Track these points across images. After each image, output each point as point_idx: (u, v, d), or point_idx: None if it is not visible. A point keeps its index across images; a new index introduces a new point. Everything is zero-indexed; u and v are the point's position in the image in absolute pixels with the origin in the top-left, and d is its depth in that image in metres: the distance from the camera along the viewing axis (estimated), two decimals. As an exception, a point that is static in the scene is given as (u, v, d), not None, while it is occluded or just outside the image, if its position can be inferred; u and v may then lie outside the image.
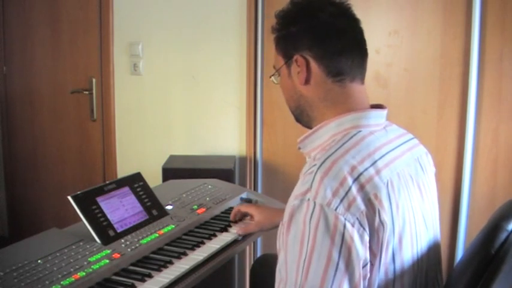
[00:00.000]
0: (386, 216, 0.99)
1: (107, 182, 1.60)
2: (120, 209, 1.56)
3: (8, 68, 3.32)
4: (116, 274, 1.34)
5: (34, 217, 3.36)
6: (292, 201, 1.02)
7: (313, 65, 1.14)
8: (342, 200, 0.96)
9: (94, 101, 3.08)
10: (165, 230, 1.58)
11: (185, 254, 1.47)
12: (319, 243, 0.95)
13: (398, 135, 1.20)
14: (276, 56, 1.22)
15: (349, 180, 0.99)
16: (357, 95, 1.16)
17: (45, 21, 3.15)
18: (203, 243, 1.55)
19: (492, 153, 2.49)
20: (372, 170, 1.03)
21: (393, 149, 1.13)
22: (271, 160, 2.83)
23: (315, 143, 1.15)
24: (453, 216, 2.58)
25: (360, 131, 1.11)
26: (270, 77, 1.27)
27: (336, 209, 0.95)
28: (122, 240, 1.47)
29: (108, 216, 1.50)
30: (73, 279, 1.24)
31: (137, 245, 1.46)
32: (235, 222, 1.73)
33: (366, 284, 1.00)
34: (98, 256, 1.37)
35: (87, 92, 3.10)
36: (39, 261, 1.29)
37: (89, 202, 1.49)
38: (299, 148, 1.20)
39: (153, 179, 2.12)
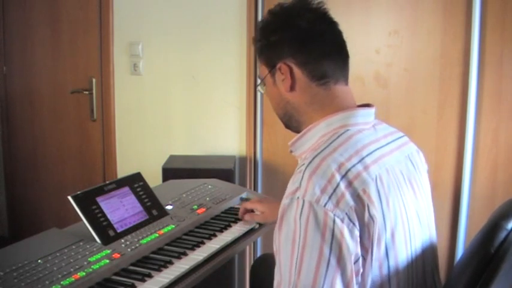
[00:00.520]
0: (376, 211, 1.01)
1: (107, 182, 1.60)
2: (120, 209, 1.56)
3: (8, 68, 3.32)
4: (116, 274, 1.34)
5: (34, 217, 3.36)
6: (283, 200, 1.03)
7: (297, 71, 1.16)
8: (330, 197, 0.98)
9: (94, 101, 3.08)
10: (165, 230, 1.58)
11: (185, 254, 1.47)
12: (310, 240, 0.96)
13: (387, 134, 1.22)
14: (260, 66, 1.25)
15: (337, 177, 1.00)
16: (343, 95, 1.18)
17: (45, 21, 3.15)
18: (203, 243, 1.55)
19: (492, 153, 2.50)
20: (359, 167, 1.04)
21: (382, 147, 1.15)
22: (271, 160, 2.83)
23: (305, 145, 1.18)
24: (453, 216, 2.58)
25: (348, 130, 1.13)
26: (257, 87, 1.29)
27: (325, 206, 0.97)
28: (122, 240, 1.47)
29: (108, 216, 1.50)
30: (73, 279, 1.24)
31: (137, 245, 1.46)
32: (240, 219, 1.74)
33: (360, 279, 1.01)
34: (98, 256, 1.37)
35: (87, 92, 3.10)
36: (39, 261, 1.29)
37: (89, 202, 1.49)
38: (291, 151, 1.22)
39: (153, 179, 2.12)
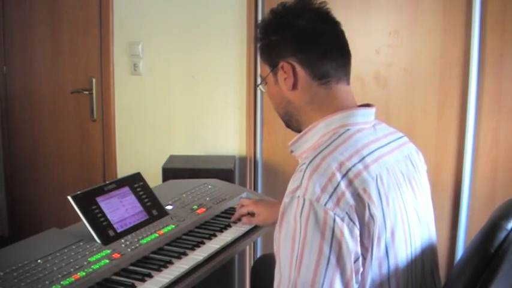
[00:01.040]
0: (376, 210, 1.01)
1: (107, 182, 1.60)
2: (120, 209, 1.56)
3: (8, 68, 3.32)
4: (116, 274, 1.34)
5: (34, 217, 3.36)
6: (283, 199, 1.04)
7: (299, 70, 1.17)
8: (331, 196, 0.98)
9: (94, 101, 3.08)
10: (165, 230, 1.58)
11: (185, 254, 1.47)
12: (310, 239, 0.97)
13: (387, 133, 1.22)
14: (261, 65, 1.25)
15: (338, 176, 1.01)
16: (344, 95, 1.19)
17: (45, 21, 3.15)
18: (203, 243, 1.55)
19: (492, 153, 2.50)
20: (360, 166, 1.05)
21: (382, 146, 1.15)
22: (271, 160, 2.83)
23: (305, 145, 1.18)
24: (453, 216, 2.58)
25: (349, 129, 1.13)
26: (258, 86, 1.28)
27: (325, 205, 0.97)
28: (122, 240, 1.47)
29: (108, 216, 1.50)
30: (73, 279, 1.24)
31: (137, 245, 1.46)
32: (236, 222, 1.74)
33: (359, 278, 1.01)
34: (98, 256, 1.37)
35: (87, 92, 3.10)
36: (39, 261, 1.29)
37: (89, 202, 1.49)
38: (291, 151, 1.23)
39: (153, 179, 2.12)
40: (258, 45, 1.25)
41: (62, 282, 1.22)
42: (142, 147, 2.99)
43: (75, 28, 3.08)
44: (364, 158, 1.07)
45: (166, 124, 2.95)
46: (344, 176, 1.01)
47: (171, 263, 1.41)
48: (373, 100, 1.26)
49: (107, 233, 1.47)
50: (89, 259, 1.34)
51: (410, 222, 1.10)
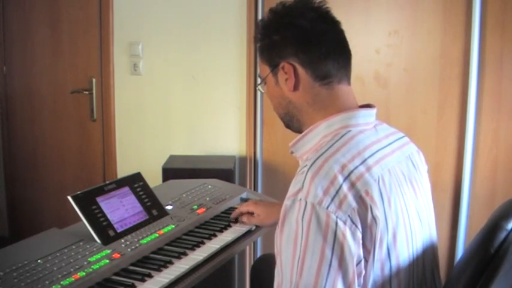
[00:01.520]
0: (378, 212, 1.00)
1: (107, 182, 1.60)
2: (120, 209, 1.56)
3: (8, 68, 3.32)
4: (116, 274, 1.34)
5: (34, 217, 3.36)
6: (285, 202, 1.03)
7: (301, 70, 1.15)
8: (333, 198, 0.98)
9: (94, 101, 3.08)
10: (165, 230, 1.58)
11: (185, 254, 1.47)
12: (312, 242, 0.96)
13: (388, 134, 1.21)
14: (261, 65, 1.24)
15: (340, 179, 1.00)
16: (345, 96, 1.18)
17: (45, 21, 3.15)
18: (203, 243, 1.55)
19: (492, 153, 2.50)
20: (362, 168, 1.04)
21: (383, 147, 1.14)
22: (271, 160, 2.83)
23: (306, 146, 1.17)
24: (453, 216, 2.58)
25: (350, 131, 1.12)
26: (257, 86, 1.27)
27: (327, 208, 0.97)
28: (122, 240, 1.47)
29: (108, 216, 1.50)
30: (73, 279, 1.24)
31: (137, 245, 1.46)
32: (236, 222, 1.74)
33: (361, 281, 1.01)
34: (98, 256, 1.37)
35: (87, 92, 3.10)
36: (39, 261, 1.29)
37: (89, 202, 1.49)
38: (291, 152, 1.22)
39: (153, 179, 2.12)
40: (258, 45, 1.23)
41: (62, 282, 1.22)
42: (142, 147, 2.99)
43: (75, 28, 3.08)
44: (366, 159, 1.06)
45: (166, 124, 2.95)
46: (346, 178, 1.01)
47: (171, 263, 1.41)
48: (373, 100, 1.26)
49: (107, 233, 1.46)
50: (89, 259, 1.34)
51: (411, 223, 1.10)
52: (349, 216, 0.97)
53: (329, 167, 1.02)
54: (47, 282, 1.21)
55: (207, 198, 1.87)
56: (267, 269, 1.69)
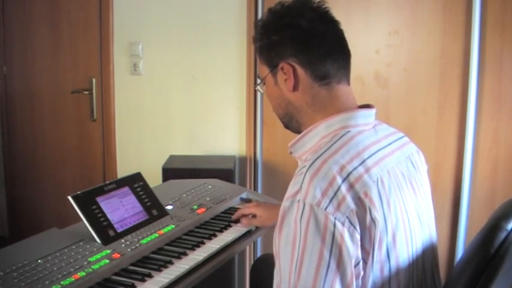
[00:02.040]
0: (377, 214, 1.00)
1: (107, 182, 1.60)
2: (120, 209, 1.56)
3: (8, 68, 3.32)
4: (116, 274, 1.34)
5: (34, 217, 3.36)
6: (283, 203, 1.03)
7: (300, 71, 1.15)
8: (331, 200, 0.97)
9: (94, 101, 3.08)
10: (165, 230, 1.58)
11: (185, 254, 1.47)
12: (310, 243, 0.96)
13: (387, 134, 1.21)
14: (260, 66, 1.23)
15: (339, 180, 1.00)
16: (344, 96, 1.17)
17: (45, 21, 3.15)
18: (203, 243, 1.55)
19: (492, 153, 2.50)
20: (361, 169, 1.04)
21: (383, 148, 1.14)
22: (271, 160, 2.83)
23: (305, 147, 1.17)
24: (453, 216, 2.58)
25: (349, 131, 1.12)
26: (256, 87, 1.27)
27: (325, 209, 0.96)
28: (122, 240, 1.47)
29: (108, 216, 1.50)
30: (73, 279, 1.24)
31: (137, 245, 1.46)
32: (236, 222, 1.74)
33: (360, 282, 1.00)
34: (98, 256, 1.37)
35: (87, 92, 3.10)
36: (39, 261, 1.29)
37: (89, 202, 1.49)
38: (290, 153, 1.21)
39: (153, 179, 2.12)
40: (257, 45, 1.22)
41: (62, 282, 1.22)
42: (143, 147, 2.99)
43: (75, 28, 3.08)
44: (365, 160, 1.06)
45: (166, 124, 2.95)
46: (345, 179, 1.00)
47: (171, 263, 1.41)
48: (373, 100, 1.26)
49: (107, 233, 1.46)
50: (89, 259, 1.34)
51: (411, 223, 1.10)
52: (347, 217, 0.97)
53: (328, 168, 1.01)
54: (47, 282, 1.21)
55: (207, 198, 1.87)
56: (266, 269, 1.68)
